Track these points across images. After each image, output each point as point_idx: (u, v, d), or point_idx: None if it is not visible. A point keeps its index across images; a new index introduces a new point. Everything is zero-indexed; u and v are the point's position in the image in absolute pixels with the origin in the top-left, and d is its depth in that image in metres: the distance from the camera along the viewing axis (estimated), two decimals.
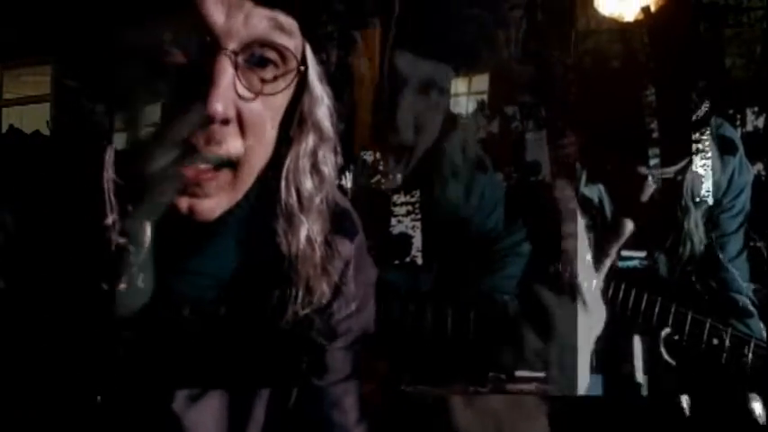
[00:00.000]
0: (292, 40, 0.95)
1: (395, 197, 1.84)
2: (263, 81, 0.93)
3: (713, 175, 1.91)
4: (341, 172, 1.86)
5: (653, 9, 1.84)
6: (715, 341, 1.69)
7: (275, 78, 0.94)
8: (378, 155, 1.85)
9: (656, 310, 1.74)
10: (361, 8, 1.83)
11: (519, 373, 1.54)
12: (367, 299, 1.22)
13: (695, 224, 1.93)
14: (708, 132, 1.90)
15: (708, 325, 1.71)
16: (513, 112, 1.94)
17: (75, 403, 1.01)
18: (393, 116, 1.86)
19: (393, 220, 1.83)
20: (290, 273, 1.05)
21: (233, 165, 0.95)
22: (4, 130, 2.27)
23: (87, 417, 1.02)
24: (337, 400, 1.18)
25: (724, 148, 1.94)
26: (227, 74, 0.89)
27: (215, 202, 0.96)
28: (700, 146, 1.89)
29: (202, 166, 0.92)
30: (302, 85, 1.00)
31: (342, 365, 1.17)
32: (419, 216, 1.83)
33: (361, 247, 1.20)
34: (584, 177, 1.93)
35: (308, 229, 1.04)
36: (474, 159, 1.88)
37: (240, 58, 0.91)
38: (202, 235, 1.00)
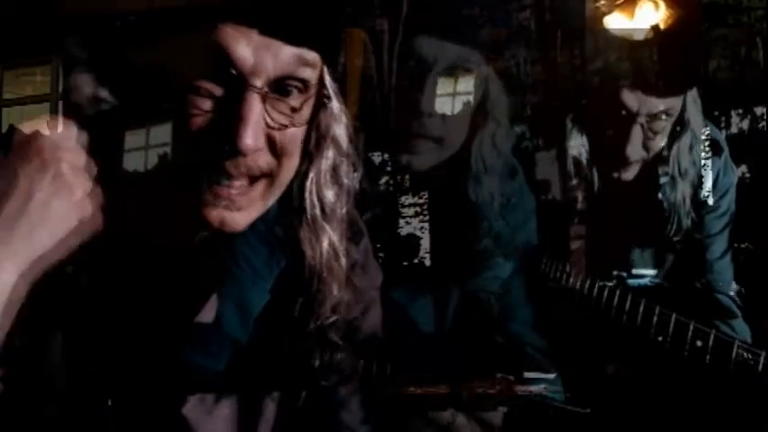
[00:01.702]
0: (315, 71, 0.98)
1: (403, 198, 1.83)
2: (293, 109, 0.97)
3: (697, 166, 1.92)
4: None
5: (662, 27, 1.84)
6: (699, 343, 1.68)
7: (302, 107, 0.98)
8: (386, 156, 1.84)
9: (641, 311, 1.73)
10: (369, 8, 1.83)
11: (527, 375, 1.54)
12: (373, 301, 1.23)
13: (682, 198, 1.93)
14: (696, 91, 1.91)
15: (692, 327, 1.70)
16: (523, 131, 1.93)
17: (86, 405, 1.01)
18: (417, 104, 1.83)
19: (401, 222, 1.83)
20: (315, 281, 1.08)
21: (266, 176, 0.98)
22: (4, 130, 2.26)
23: (97, 419, 1.02)
24: (344, 400, 1.19)
25: (709, 149, 1.94)
26: (256, 109, 0.93)
27: (246, 215, 0.99)
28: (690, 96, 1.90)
29: (237, 183, 0.95)
30: (321, 104, 1.03)
31: (348, 367, 1.17)
32: (427, 217, 1.82)
33: (367, 250, 1.22)
34: (572, 133, 1.93)
35: (330, 238, 1.07)
36: (507, 154, 1.86)
37: (267, 92, 0.94)
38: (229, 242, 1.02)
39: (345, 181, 1.09)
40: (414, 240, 1.82)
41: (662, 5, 1.82)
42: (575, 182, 1.94)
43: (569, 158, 1.93)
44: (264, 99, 0.93)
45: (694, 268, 1.93)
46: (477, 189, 1.85)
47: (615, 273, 1.87)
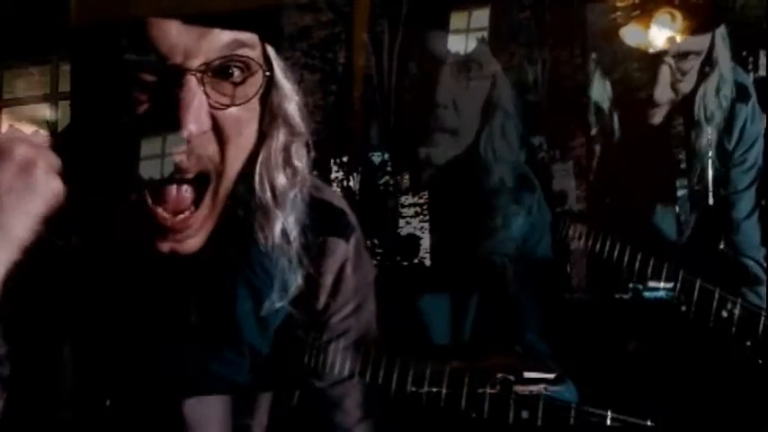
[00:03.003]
0: (254, 50, 0.98)
1: (403, 198, 1.82)
2: (235, 85, 0.96)
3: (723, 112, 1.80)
4: (348, 173, 1.86)
5: (678, 39, 1.79)
6: (724, 313, 1.52)
7: (243, 83, 0.96)
8: (386, 156, 1.84)
9: (663, 277, 1.57)
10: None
11: (527, 375, 1.51)
12: (366, 298, 1.21)
13: (708, 143, 1.82)
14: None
15: (717, 295, 1.53)
16: (540, 143, 1.90)
17: (85, 405, 1.01)
18: (432, 98, 1.81)
19: (401, 222, 1.82)
20: (266, 265, 1.06)
21: (210, 178, 0.96)
22: (4, 130, 2.27)
23: (95, 419, 1.01)
24: (338, 400, 1.17)
25: (736, 94, 1.82)
26: (196, 92, 0.92)
27: (198, 239, 0.98)
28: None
29: (184, 191, 0.94)
30: (270, 82, 1.01)
31: (342, 366, 1.15)
32: (427, 217, 1.81)
33: (359, 245, 1.19)
34: (595, 79, 1.86)
35: (283, 223, 1.05)
36: (517, 147, 1.84)
37: (206, 75, 0.93)
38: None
39: (298, 163, 1.07)
40: (414, 240, 1.82)
41: (678, 16, 1.78)
42: (595, 131, 1.86)
43: (591, 106, 1.85)
44: (203, 82, 0.93)
45: (719, 228, 1.81)
46: (487, 177, 1.83)
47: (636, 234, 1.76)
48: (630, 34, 1.80)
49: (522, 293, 1.82)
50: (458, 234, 1.83)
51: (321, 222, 1.11)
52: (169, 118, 0.91)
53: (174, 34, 0.91)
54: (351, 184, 1.87)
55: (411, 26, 1.83)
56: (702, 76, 1.81)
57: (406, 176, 1.83)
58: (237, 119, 0.96)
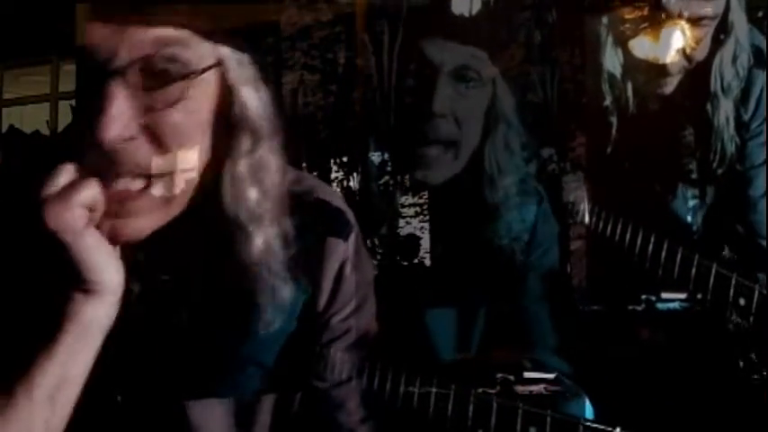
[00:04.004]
0: (189, 49, 0.90)
1: (403, 198, 1.82)
2: (163, 87, 0.89)
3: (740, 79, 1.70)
4: (348, 173, 1.87)
5: (688, 51, 1.75)
6: (742, 301, 1.46)
7: (174, 82, 0.89)
8: (386, 155, 1.84)
9: (678, 260, 1.52)
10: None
11: (528, 375, 1.52)
12: (366, 298, 1.20)
13: (726, 119, 1.72)
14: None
15: (734, 281, 1.46)
16: (550, 155, 1.89)
17: (96, 401, 1.01)
18: (429, 107, 1.81)
19: (401, 222, 1.82)
20: (248, 284, 1.03)
21: (155, 177, 0.92)
22: (4, 130, 2.27)
23: (101, 417, 1.01)
24: (341, 402, 1.17)
25: (753, 60, 1.72)
26: (118, 96, 0.86)
27: (143, 221, 0.93)
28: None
29: (126, 187, 0.91)
30: (226, 89, 0.97)
31: (344, 367, 1.16)
32: (427, 217, 1.81)
33: (358, 245, 1.18)
34: (608, 44, 1.81)
35: (264, 235, 1.01)
36: (520, 154, 1.83)
37: (132, 77, 0.88)
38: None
39: (266, 176, 1.01)
40: (414, 240, 1.82)
41: (687, 27, 1.72)
42: (609, 101, 1.79)
43: (604, 73, 1.79)
44: (129, 84, 0.88)
45: (736, 208, 1.72)
46: (492, 191, 1.82)
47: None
48: (640, 47, 1.78)
49: (531, 306, 1.81)
50: (462, 228, 1.83)
51: (319, 222, 1.11)
52: (94, 124, 0.87)
53: (98, 35, 0.87)
54: (351, 184, 1.87)
55: (411, 27, 1.83)
56: (717, 43, 1.73)
57: (407, 176, 1.83)
58: (179, 123, 0.90)
